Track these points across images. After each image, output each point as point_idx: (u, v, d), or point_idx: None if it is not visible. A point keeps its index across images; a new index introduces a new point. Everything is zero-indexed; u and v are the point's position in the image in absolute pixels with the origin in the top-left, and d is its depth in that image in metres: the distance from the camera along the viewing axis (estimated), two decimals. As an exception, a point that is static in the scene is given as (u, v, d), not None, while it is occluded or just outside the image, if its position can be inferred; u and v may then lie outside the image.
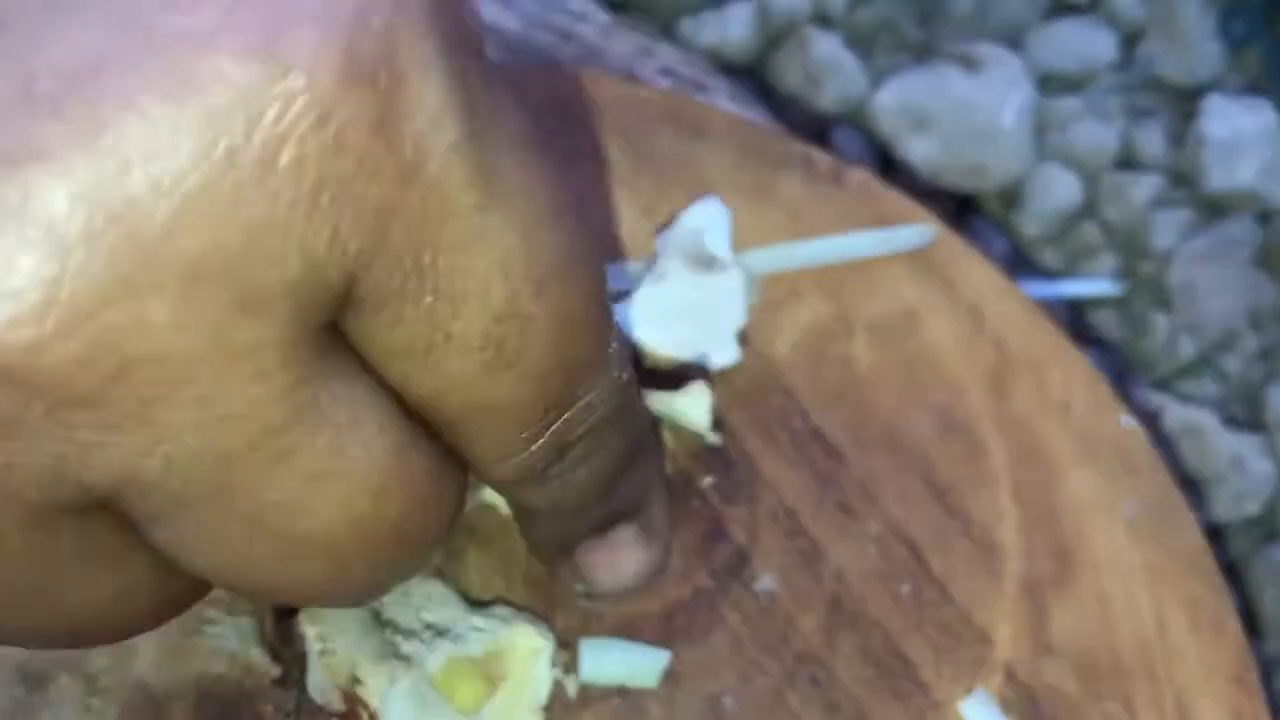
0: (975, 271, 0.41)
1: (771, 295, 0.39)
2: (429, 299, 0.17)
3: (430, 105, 0.16)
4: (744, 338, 0.38)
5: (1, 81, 0.14)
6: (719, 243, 0.39)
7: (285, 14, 0.15)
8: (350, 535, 0.18)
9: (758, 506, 0.37)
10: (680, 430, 0.37)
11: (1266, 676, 0.49)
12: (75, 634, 0.19)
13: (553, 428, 0.21)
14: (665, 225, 0.40)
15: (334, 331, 0.17)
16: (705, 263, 0.38)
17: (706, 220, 0.39)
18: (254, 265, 0.15)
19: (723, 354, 0.38)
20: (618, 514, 0.28)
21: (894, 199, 0.41)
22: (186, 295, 0.15)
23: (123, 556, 0.18)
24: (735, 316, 0.38)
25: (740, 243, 0.40)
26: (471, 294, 0.17)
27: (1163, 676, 0.37)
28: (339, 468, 0.17)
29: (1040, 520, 0.38)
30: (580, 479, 0.23)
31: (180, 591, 0.20)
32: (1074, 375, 0.40)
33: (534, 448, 0.20)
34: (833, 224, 0.41)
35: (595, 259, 0.21)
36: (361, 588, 0.20)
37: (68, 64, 0.14)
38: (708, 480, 0.37)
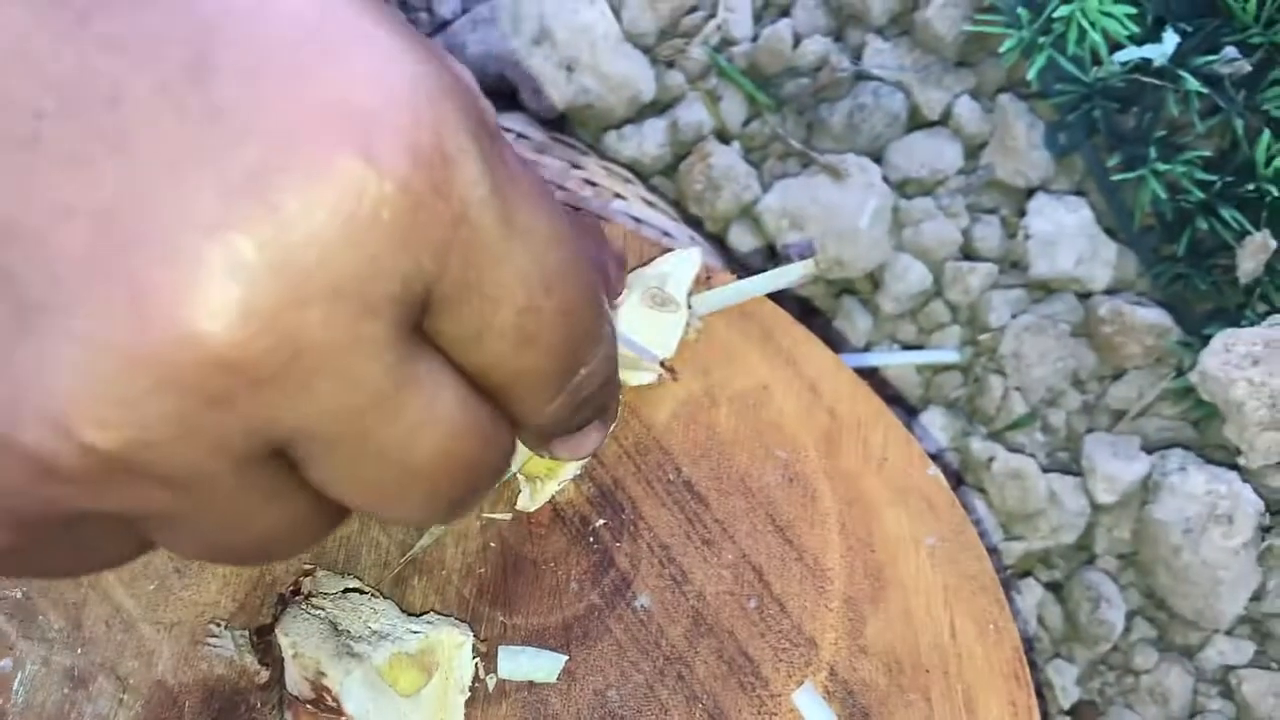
0: (814, 353, 0.51)
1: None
2: (476, 301, 0.25)
3: (467, 174, 0.24)
4: (665, 368, 0.49)
5: (203, 175, 0.21)
6: (679, 288, 0.49)
7: (375, 127, 0.22)
8: (442, 464, 0.25)
9: (638, 541, 0.47)
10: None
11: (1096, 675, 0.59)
12: (263, 552, 0.26)
13: (567, 388, 0.28)
14: (642, 264, 0.50)
15: (419, 330, 0.25)
16: (661, 301, 0.48)
17: (676, 267, 0.49)
18: (372, 284, 0.22)
19: (643, 376, 0.48)
20: (590, 419, 0.34)
21: (753, 298, 0.52)
22: (331, 305, 0.22)
23: (292, 492, 0.25)
24: (665, 349, 0.48)
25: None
26: (502, 297, 0.25)
27: (954, 673, 0.47)
28: (431, 417, 0.24)
29: (860, 550, 0.48)
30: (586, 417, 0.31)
31: (326, 521, 0.27)
32: (891, 435, 0.50)
33: (556, 403, 0.28)
34: (704, 315, 0.51)
35: (587, 270, 0.28)
36: (449, 505, 0.27)
37: (248, 162, 0.21)
38: (600, 521, 0.48)
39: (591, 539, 0.47)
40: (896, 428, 0.50)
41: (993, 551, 0.59)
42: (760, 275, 0.53)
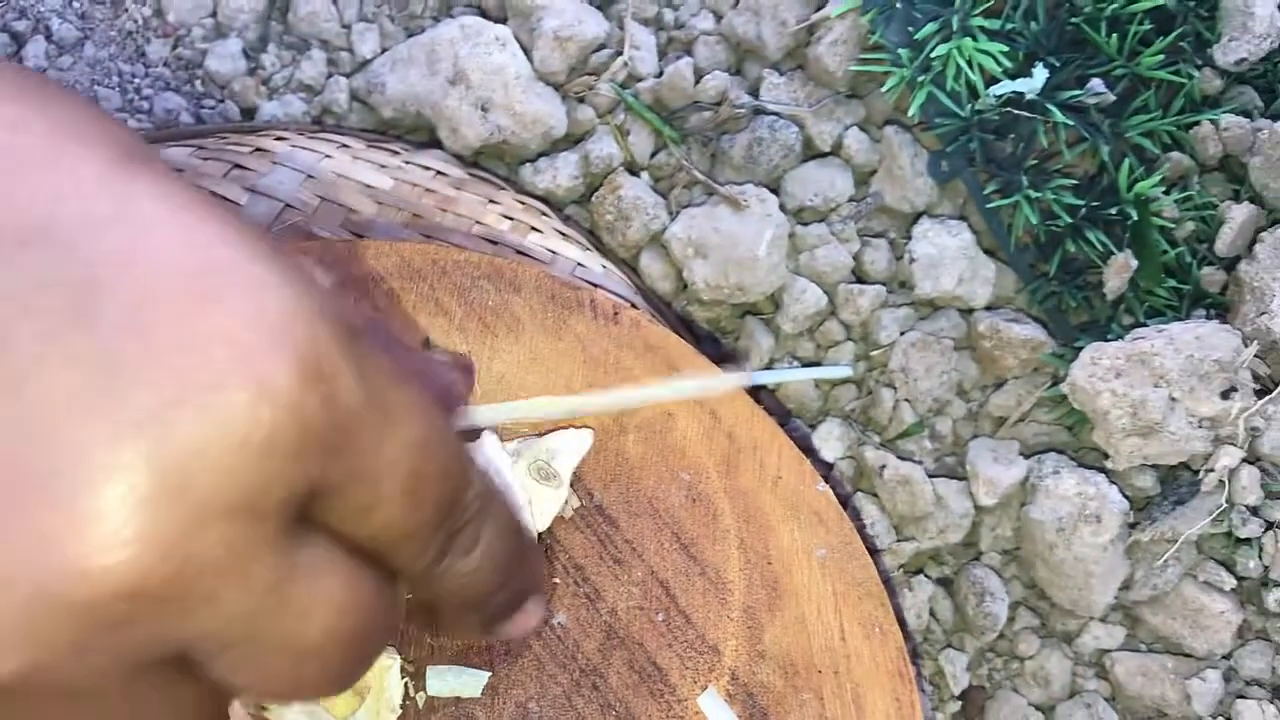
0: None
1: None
2: (363, 485, 0.27)
3: (345, 384, 0.26)
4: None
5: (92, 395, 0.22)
6: (565, 467, 0.51)
7: (261, 359, 0.24)
8: (332, 641, 0.27)
9: (554, 563, 0.51)
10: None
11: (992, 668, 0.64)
12: None
13: (443, 528, 0.30)
14: (546, 432, 0.52)
15: (303, 519, 0.27)
16: (545, 475, 0.51)
17: (566, 444, 0.52)
18: (263, 498, 0.24)
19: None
20: (522, 595, 0.37)
21: (654, 330, 0.56)
22: (228, 525, 0.23)
23: (189, 686, 0.26)
24: (541, 522, 0.50)
25: (543, 367, 0.54)
26: (386, 474, 0.27)
27: (844, 673, 0.52)
28: (317, 600, 0.26)
29: (757, 563, 0.53)
30: (475, 565, 0.31)
31: (224, 702, 0.29)
32: (784, 456, 0.55)
33: (434, 545, 0.30)
34: (611, 349, 0.55)
35: (449, 433, 0.30)
36: (341, 676, 0.28)
37: (142, 403, 0.22)
38: (518, 547, 0.52)
39: (511, 563, 0.51)
40: (789, 448, 0.55)
41: (884, 552, 0.64)
42: (803, 369, 0.63)
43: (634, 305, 0.65)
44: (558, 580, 0.51)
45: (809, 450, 0.66)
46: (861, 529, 0.64)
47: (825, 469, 0.66)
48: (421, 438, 0.28)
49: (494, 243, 0.64)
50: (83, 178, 0.24)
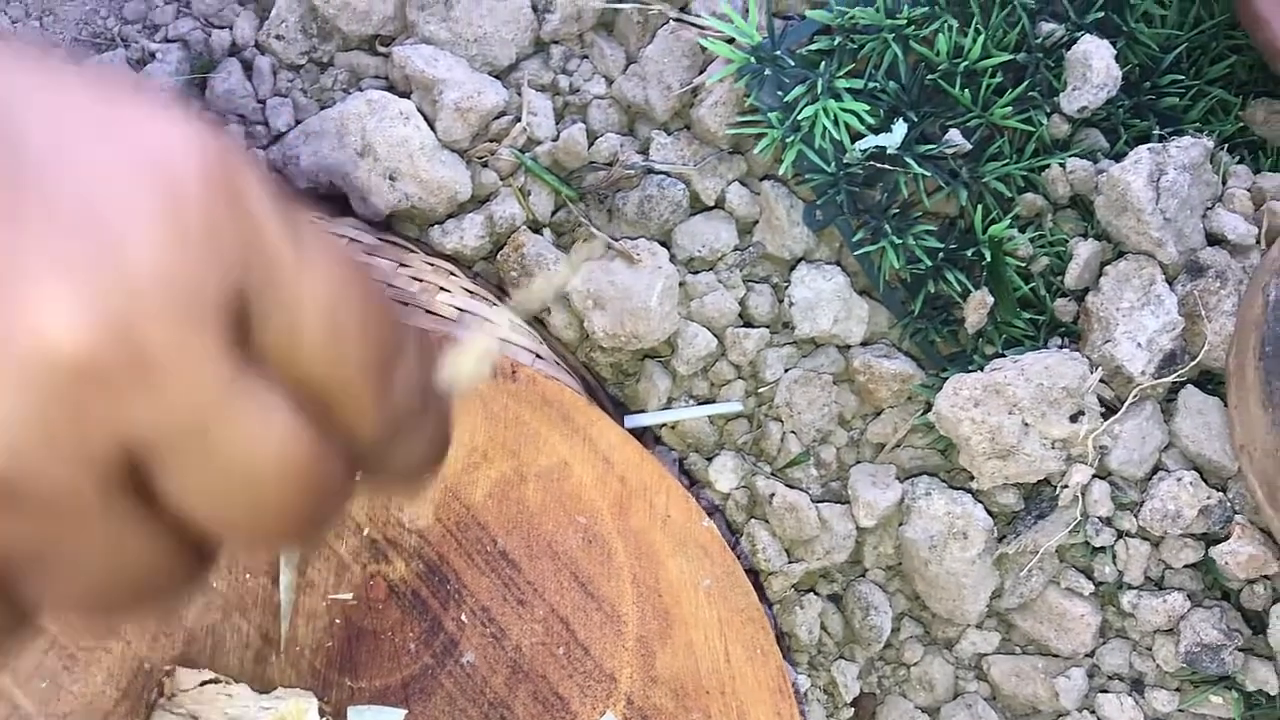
0: (607, 430, 0.61)
1: (468, 459, 0.59)
2: (283, 312, 0.27)
3: (257, 202, 0.27)
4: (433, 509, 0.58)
5: None
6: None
7: (177, 164, 0.26)
8: (286, 473, 0.27)
9: (463, 607, 0.56)
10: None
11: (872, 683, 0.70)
12: (136, 592, 0.27)
13: (387, 395, 0.29)
14: None
15: (247, 352, 0.26)
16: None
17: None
18: (195, 293, 0.25)
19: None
20: (423, 448, 0.34)
21: (550, 386, 0.61)
22: (164, 307, 0.24)
23: (154, 520, 0.26)
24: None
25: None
26: (305, 305, 0.27)
27: (730, 693, 0.57)
28: (269, 428, 0.26)
29: (649, 596, 0.58)
30: (416, 459, 0.31)
31: (193, 558, 0.28)
32: (672, 495, 0.60)
33: (379, 412, 0.29)
34: (510, 405, 0.60)
35: (377, 293, 0.30)
36: (299, 521, 0.28)
37: (72, 204, 0.24)
38: (429, 593, 0.57)
39: (422, 609, 0.56)
40: (677, 488, 0.60)
41: (777, 574, 0.69)
42: (699, 407, 0.68)
43: (539, 355, 0.70)
44: (466, 622, 0.56)
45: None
46: (743, 556, 0.69)
47: (713, 507, 0.72)
48: (342, 286, 0.28)
49: (404, 304, 0.69)
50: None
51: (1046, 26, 0.74)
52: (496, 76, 0.77)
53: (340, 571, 0.56)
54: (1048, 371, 0.65)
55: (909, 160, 0.70)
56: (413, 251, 0.73)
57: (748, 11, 0.73)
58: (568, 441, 0.60)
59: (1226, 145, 0.74)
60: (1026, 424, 0.65)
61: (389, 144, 0.72)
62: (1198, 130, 0.74)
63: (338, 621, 0.56)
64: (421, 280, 0.71)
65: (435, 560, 0.57)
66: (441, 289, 0.71)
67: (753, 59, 0.71)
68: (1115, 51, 0.73)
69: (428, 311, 0.69)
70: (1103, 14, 0.75)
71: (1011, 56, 0.73)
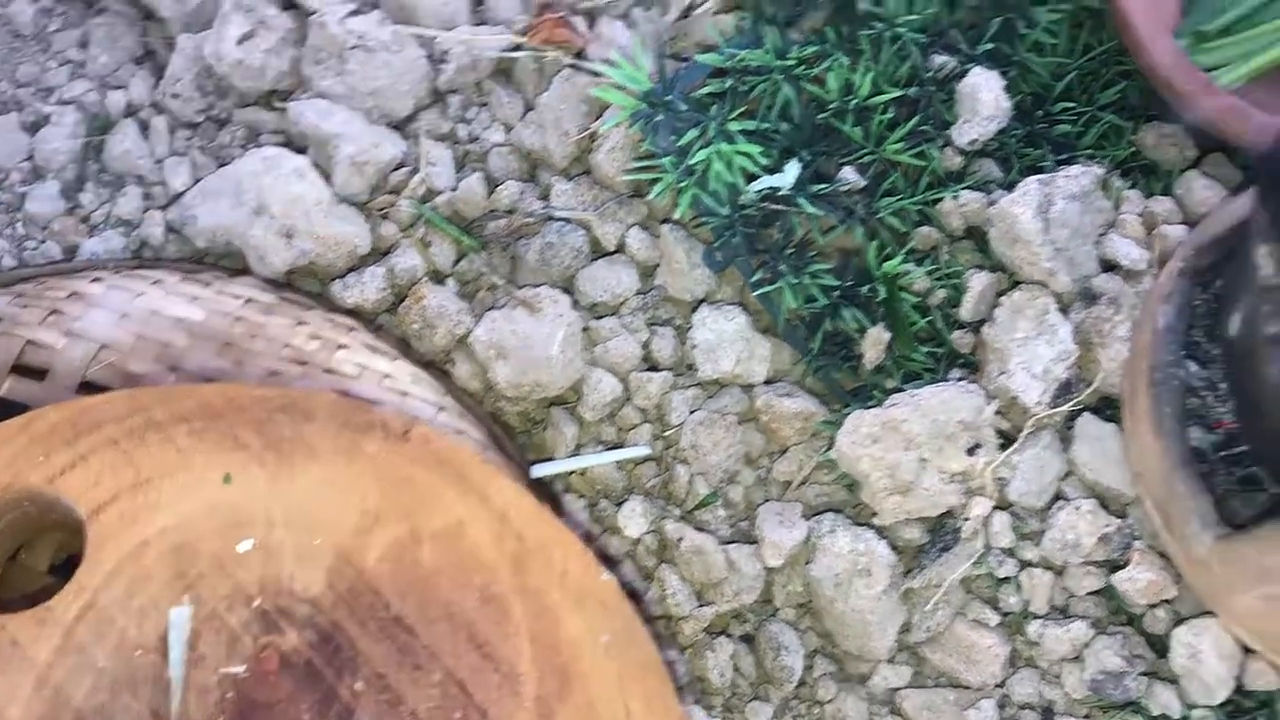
0: (503, 487, 0.61)
1: (360, 523, 0.59)
2: None
3: None
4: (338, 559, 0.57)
5: None
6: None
7: None
8: None
9: (358, 674, 0.56)
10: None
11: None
12: None
13: None
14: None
15: None
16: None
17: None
18: None
19: None
20: None
21: (444, 444, 0.61)
22: None
23: None
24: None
25: (338, 489, 0.59)
26: None
27: (630, 744, 0.57)
28: None
29: (547, 653, 0.58)
30: None
31: None
32: (570, 551, 0.60)
33: None
34: (403, 466, 0.60)
35: None
36: None
37: None
38: (320, 660, 0.56)
39: (316, 679, 0.56)
40: (574, 543, 0.60)
41: (687, 619, 0.69)
42: (606, 453, 0.69)
43: (442, 407, 0.70)
44: (361, 690, 0.56)
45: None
46: (653, 602, 0.69)
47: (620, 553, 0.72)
48: None
49: (302, 363, 0.69)
50: None
51: (938, 59, 0.75)
52: (395, 128, 0.77)
53: (231, 644, 0.56)
54: (943, 406, 0.66)
55: (802, 200, 0.70)
56: (312, 309, 0.73)
57: (639, 58, 0.73)
58: (463, 500, 0.60)
59: (1120, 170, 0.75)
60: (924, 459, 0.66)
61: (284, 201, 0.72)
62: (1091, 156, 0.75)
63: (230, 695, 0.55)
64: (320, 338, 0.71)
65: (328, 628, 0.57)
66: (340, 346, 0.71)
67: (644, 104, 0.71)
68: (1006, 82, 0.73)
69: (326, 371, 0.69)
70: (994, 45, 0.76)
71: (903, 92, 0.73)
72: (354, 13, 0.77)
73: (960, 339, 0.71)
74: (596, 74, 0.74)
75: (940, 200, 0.73)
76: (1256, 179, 0.52)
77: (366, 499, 0.59)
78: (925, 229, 0.73)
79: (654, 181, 0.71)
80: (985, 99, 0.72)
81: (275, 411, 0.60)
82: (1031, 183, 0.68)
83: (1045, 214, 0.68)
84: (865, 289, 0.71)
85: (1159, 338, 0.65)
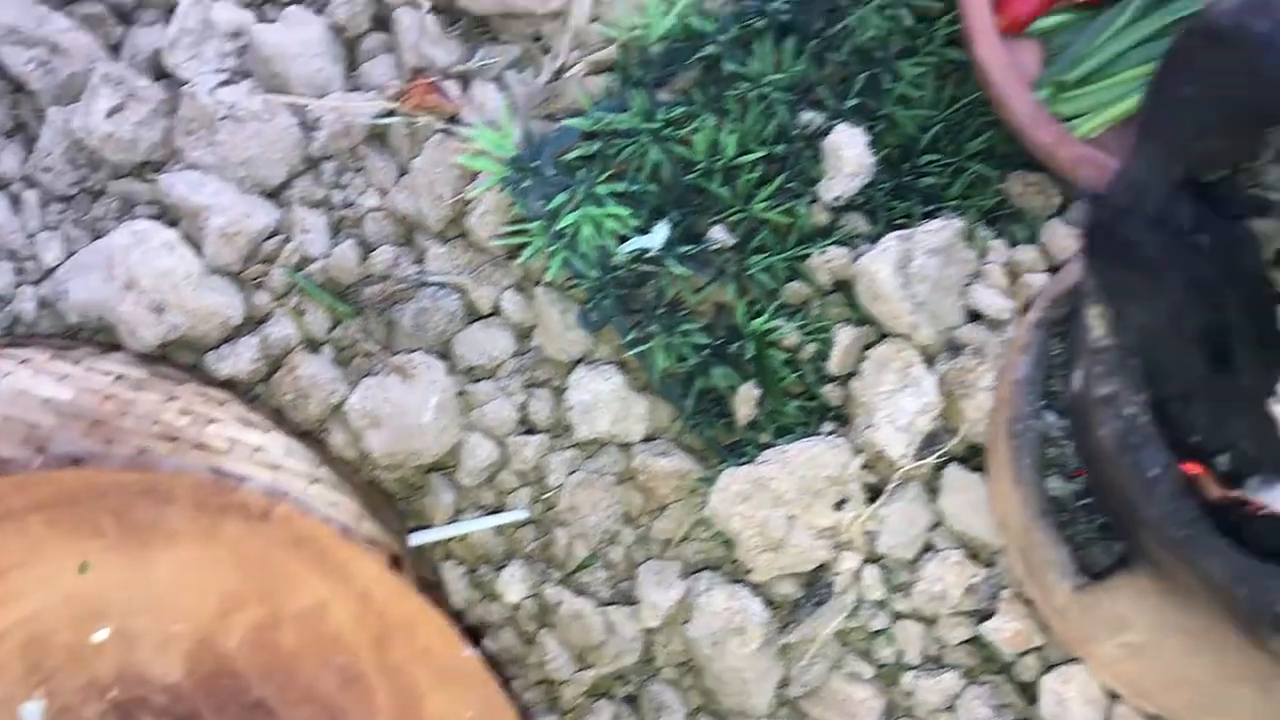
0: (365, 565, 0.61)
1: (220, 606, 0.58)
2: None
3: None
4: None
5: None
6: None
7: None
8: None
9: (217, 762, 0.56)
10: None
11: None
12: None
13: None
14: None
15: None
16: None
17: None
18: None
19: None
20: None
21: (306, 523, 0.61)
22: None
23: None
24: None
25: (197, 573, 0.58)
26: None
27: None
28: None
29: (411, 732, 0.58)
30: None
31: None
32: (432, 628, 0.60)
33: None
34: (263, 548, 0.60)
35: None
36: None
37: None
38: (181, 751, 0.56)
39: (175, 767, 0.55)
40: (438, 619, 0.60)
41: (567, 683, 0.69)
42: (485, 518, 0.69)
43: (316, 479, 0.70)
44: (221, 777, 0.55)
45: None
46: (533, 667, 0.69)
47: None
48: None
49: (172, 439, 0.68)
50: None
51: (806, 116, 0.76)
52: (268, 196, 0.77)
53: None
54: (810, 462, 0.67)
55: (670, 261, 0.71)
56: (185, 382, 0.72)
57: (507, 123, 0.73)
58: (325, 580, 0.60)
59: (986, 219, 0.77)
60: (792, 516, 0.67)
61: (154, 275, 0.72)
62: (957, 207, 0.76)
63: (84, 791, 0.55)
64: (191, 412, 0.70)
65: (187, 716, 0.56)
66: (211, 420, 0.70)
67: (511, 170, 0.72)
68: (872, 137, 0.75)
69: (196, 446, 0.68)
70: (860, 100, 0.77)
71: (769, 149, 0.74)
72: (225, 83, 0.77)
73: (831, 392, 0.72)
74: (466, 140, 0.75)
75: (809, 256, 0.74)
76: (1082, 244, 0.54)
77: (226, 582, 0.59)
78: (795, 284, 0.74)
79: (525, 246, 0.72)
80: (848, 156, 0.73)
81: (135, 496, 0.60)
82: (891, 239, 0.70)
83: (905, 269, 0.69)
84: (736, 346, 0.72)
85: (1017, 388, 0.66)
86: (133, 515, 0.60)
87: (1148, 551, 0.55)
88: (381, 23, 0.80)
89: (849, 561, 0.67)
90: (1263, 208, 0.47)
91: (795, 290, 0.73)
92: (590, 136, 0.74)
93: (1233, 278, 0.48)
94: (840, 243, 0.74)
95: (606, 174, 0.73)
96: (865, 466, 0.68)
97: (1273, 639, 0.50)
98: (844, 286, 0.74)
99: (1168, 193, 0.49)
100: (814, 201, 0.74)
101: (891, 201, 0.76)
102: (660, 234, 0.72)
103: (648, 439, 0.73)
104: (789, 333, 0.72)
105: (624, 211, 0.72)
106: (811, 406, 0.72)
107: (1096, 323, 0.54)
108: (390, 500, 0.74)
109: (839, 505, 0.67)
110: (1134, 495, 0.51)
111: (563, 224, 0.71)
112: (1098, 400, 0.54)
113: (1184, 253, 0.48)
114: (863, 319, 0.72)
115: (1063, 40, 0.78)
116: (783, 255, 0.74)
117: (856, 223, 0.75)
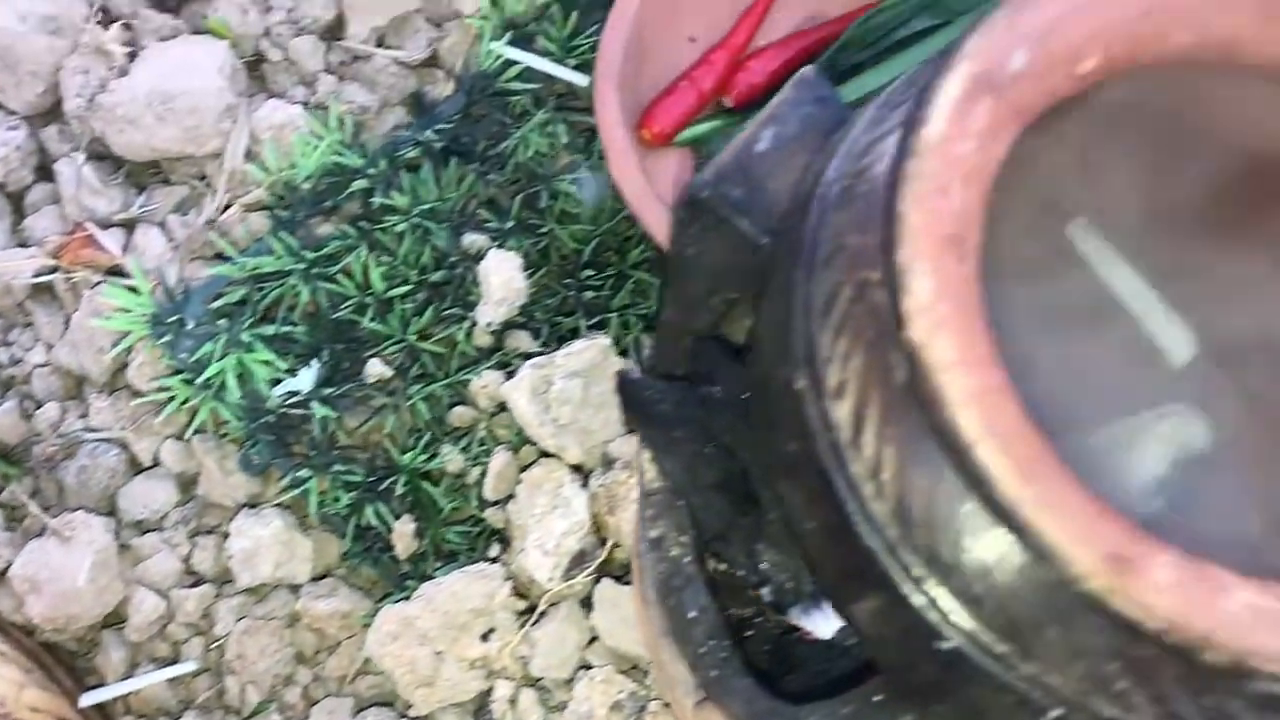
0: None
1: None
2: None
3: None
4: None
5: None
6: None
7: None
8: None
9: None
10: None
11: None
12: None
13: None
14: None
15: None
16: None
17: None
18: None
19: None
20: None
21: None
22: None
23: None
24: None
25: None
26: None
27: None
28: None
29: None
30: None
31: None
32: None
33: None
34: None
35: None
36: None
37: None
38: None
39: None
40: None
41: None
42: (152, 673, 0.69)
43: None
44: None
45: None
46: None
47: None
48: None
49: None
50: None
51: (469, 238, 0.78)
52: (-70, 363, 0.77)
53: None
54: (453, 597, 0.68)
55: (315, 404, 0.72)
56: None
57: (140, 280, 0.73)
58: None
59: (649, 325, 0.79)
60: (439, 652, 0.68)
61: None
62: (620, 316, 0.78)
63: None
64: None
65: None
66: None
67: (151, 325, 0.72)
68: (534, 255, 0.77)
69: None
70: (519, 219, 0.78)
71: (422, 278, 0.76)
72: (-121, 250, 0.77)
73: (494, 516, 0.73)
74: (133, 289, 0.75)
75: (470, 381, 0.75)
76: (618, 398, 0.55)
77: None
78: (460, 408, 0.75)
79: (171, 399, 0.72)
80: (495, 283, 0.74)
81: None
82: (525, 368, 0.71)
83: (545, 395, 0.71)
84: (391, 480, 0.73)
85: (642, 500, 0.68)
86: None
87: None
88: (47, 173, 0.81)
89: (502, 689, 0.68)
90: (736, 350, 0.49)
91: (460, 415, 0.75)
92: (239, 282, 0.75)
93: (743, 423, 0.50)
94: (502, 364, 0.76)
95: (255, 318, 0.74)
96: (516, 593, 0.69)
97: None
98: (505, 409, 0.75)
99: (680, 348, 0.51)
100: (475, 326, 0.76)
101: (556, 317, 0.78)
102: (307, 376, 0.73)
103: (318, 578, 0.74)
104: (452, 459, 0.74)
105: (272, 355, 0.72)
106: (476, 532, 0.73)
107: (648, 466, 0.55)
108: (70, 658, 0.74)
109: (486, 636, 0.68)
110: (675, 638, 0.53)
111: (208, 374, 0.72)
112: (649, 543, 0.56)
113: (693, 406, 0.50)
114: (525, 439, 0.73)
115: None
116: (444, 382, 0.75)
117: (521, 341, 0.77)
